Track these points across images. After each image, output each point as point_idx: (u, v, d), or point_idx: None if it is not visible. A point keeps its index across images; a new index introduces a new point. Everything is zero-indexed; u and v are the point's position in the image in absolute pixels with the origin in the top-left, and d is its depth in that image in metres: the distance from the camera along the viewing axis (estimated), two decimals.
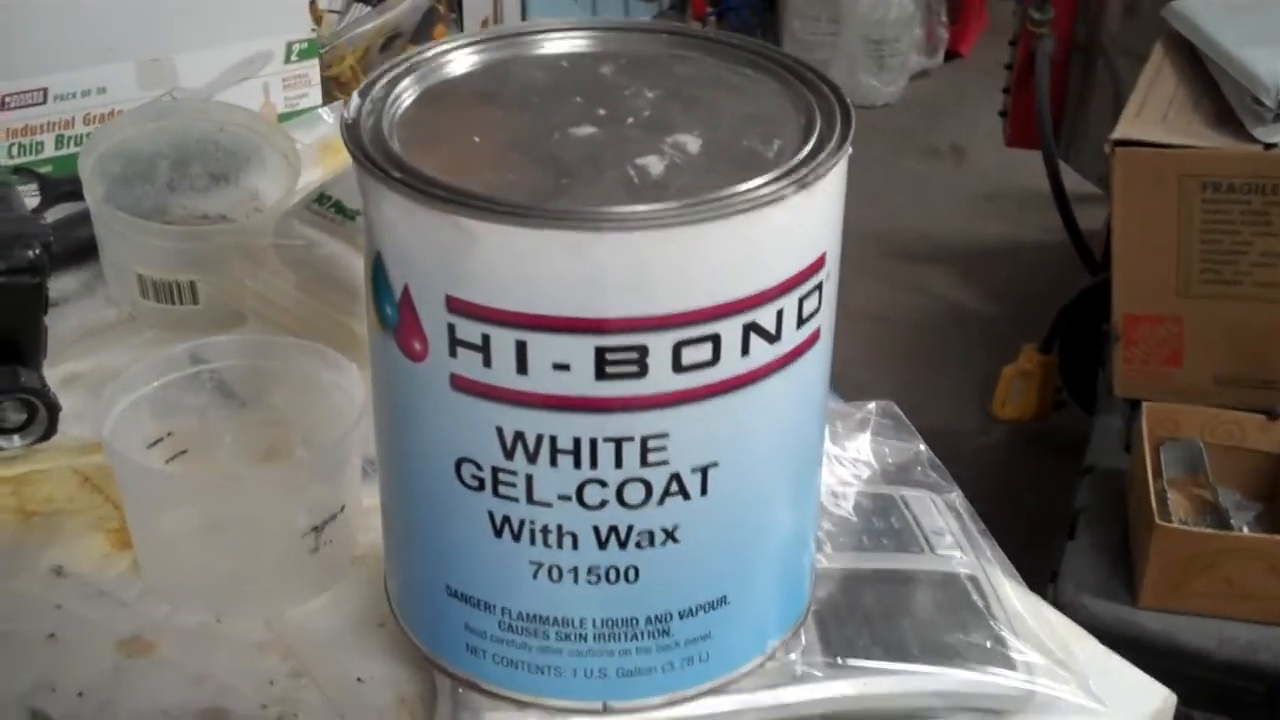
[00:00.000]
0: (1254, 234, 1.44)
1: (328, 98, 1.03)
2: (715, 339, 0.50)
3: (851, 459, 0.73)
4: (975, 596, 0.65)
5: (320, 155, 0.89)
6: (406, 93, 0.55)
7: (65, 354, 0.80)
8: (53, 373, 0.76)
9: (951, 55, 3.26)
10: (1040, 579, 0.75)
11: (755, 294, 0.50)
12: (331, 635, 0.65)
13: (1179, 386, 1.52)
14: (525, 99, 0.56)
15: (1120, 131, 1.44)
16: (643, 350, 0.49)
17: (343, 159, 0.88)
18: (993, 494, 0.72)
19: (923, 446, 0.75)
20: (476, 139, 0.53)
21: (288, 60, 0.99)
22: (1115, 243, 1.49)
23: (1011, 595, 0.67)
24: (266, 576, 0.66)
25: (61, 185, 0.88)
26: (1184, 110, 1.48)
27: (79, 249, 0.85)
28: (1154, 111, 1.48)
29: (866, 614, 0.63)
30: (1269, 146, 1.39)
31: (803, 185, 0.49)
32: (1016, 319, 2.16)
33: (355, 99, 0.54)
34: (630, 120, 0.54)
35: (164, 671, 0.63)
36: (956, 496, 0.72)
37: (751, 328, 0.50)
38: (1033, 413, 1.94)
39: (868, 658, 0.61)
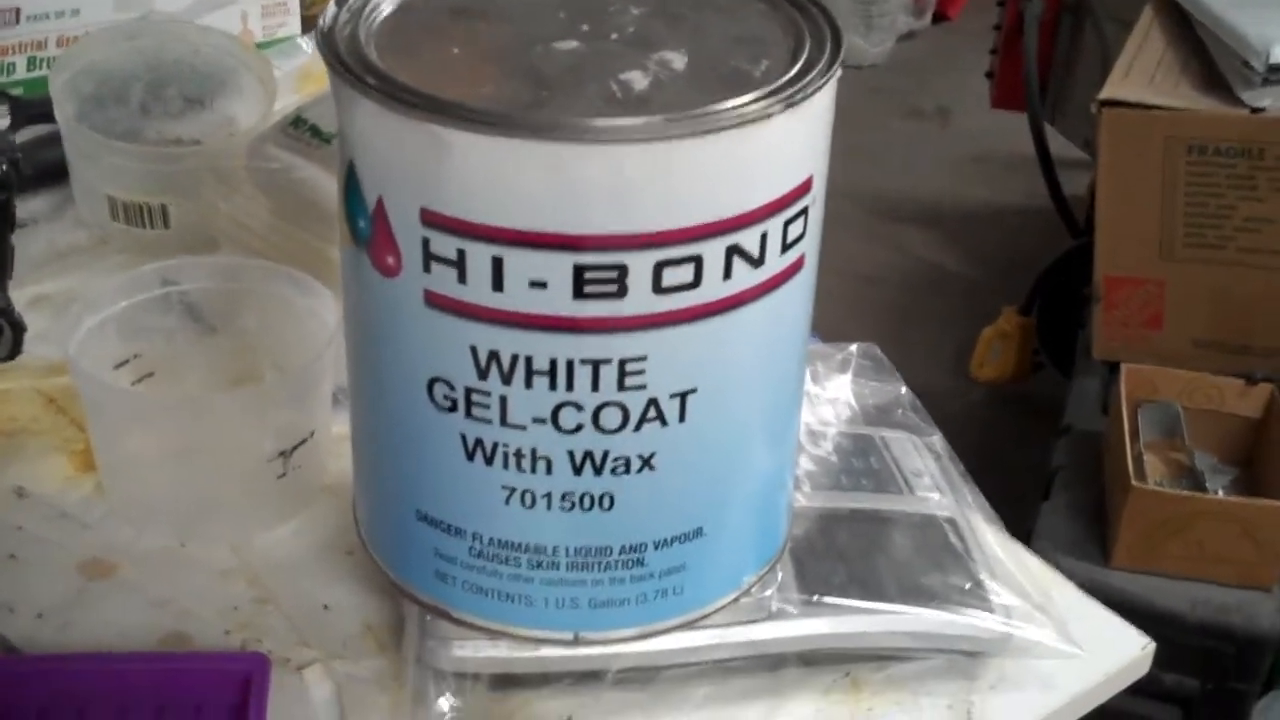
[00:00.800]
0: (1239, 198, 1.43)
1: (307, 28, 1.01)
2: (697, 260, 0.48)
3: (831, 399, 0.72)
4: (953, 539, 0.64)
5: (298, 83, 0.87)
6: (385, 3, 0.53)
7: (33, 275, 0.79)
8: (20, 294, 0.75)
9: (939, 17, 3.24)
10: (1015, 538, 0.74)
11: (739, 215, 0.49)
12: (298, 562, 0.63)
13: (1158, 349, 1.51)
14: (507, 12, 0.54)
15: (1107, 92, 1.42)
16: (622, 269, 0.48)
17: (322, 86, 0.86)
18: (969, 453, 0.71)
19: (904, 389, 0.74)
20: (455, 50, 0.52)
21: None
22: (1099, 203, 1.48)
23: (990, 539, 0.66)
24: (233, 501, 0.65)
25: (33, 107, 0.86)
26: (1172, 72, 1.47)
27: (49, 170, 0.83)
28: (1142, 73, 1.47)
29: (843, 553, 0.62)
30: (1256, 110, 1.38)
31: (790, 104, 0.48)
32: (997, 281, 2.15)
33: (332, 6, 0.52)
34: (614, 36, 0.53)
35: (125, 594, 0.61)
36: (937, 439, 0.71)
37: (734, 250, 0.49)
38: (1010, 374, 1.94)
39: (843, 596, 0.60)
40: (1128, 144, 1.44)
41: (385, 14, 0.53)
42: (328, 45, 0.50)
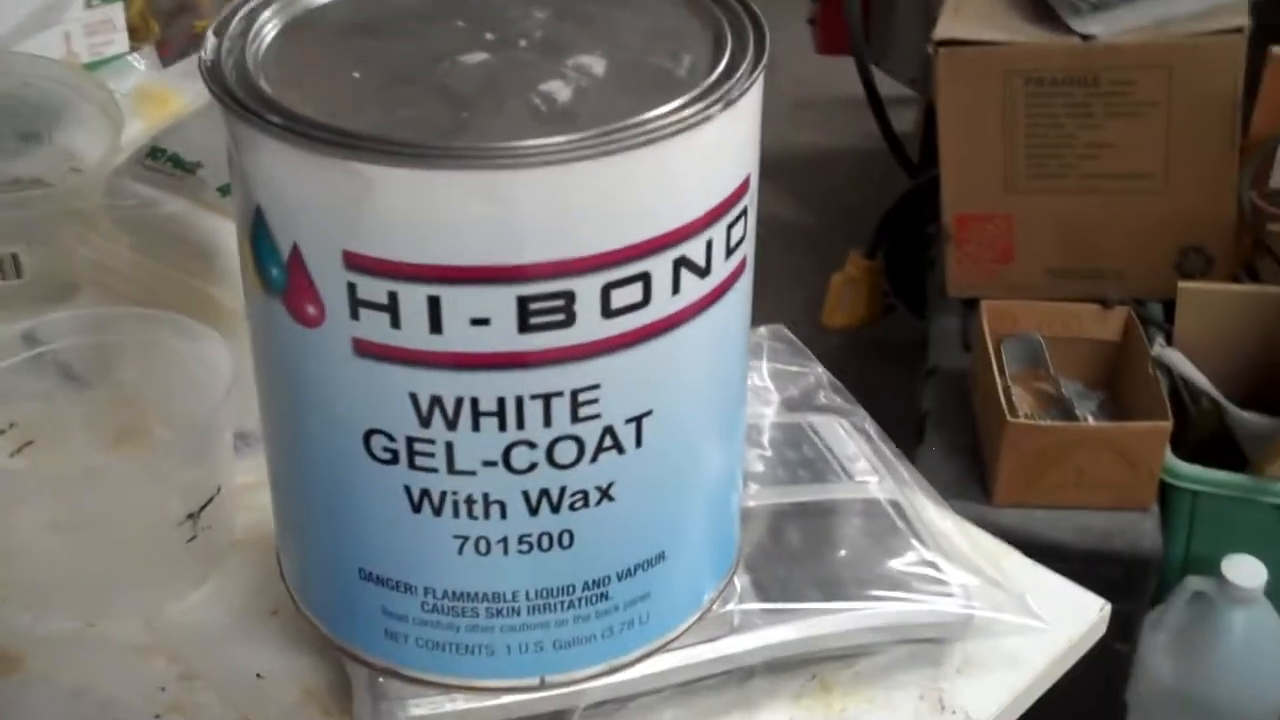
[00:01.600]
0: (1077, 126, 1.45)
1: (135, 41, 0.94)
2: (645, 277, 0.45)
3: (754, 388, 0.69)
4: (899, 522, 0.63)
5: (138, 105, 0.81)
6: (268, 27, 0.49)
7: None
8: None
9: None
10: None
11: (684, 224, 0.46)
12: (220, 629, 0.59)
13: (1011, 283, 1.53)
14: (401, 27, 0.50)
15: (942, 31, 1.43)
16: (569, 296, 0.45)
17: (166, 109, 0.81)
18: None
19: (820, 369, 0.72)
20: (355, 73, 0.48)
21: (89, 4, 0.90)
22: (942, 144, 1.49)
23: (935, 516, 0.65)
24: (140, 572, 0.60)
25: None
26: (999, 7, 1.47)
27: None
28: (973, 10, 1.48)
29: (795, 553, 0.60)
30: (1086, 38, 1.39)
31: (729, 104, 0.45)
32: (838, 227, 2.16)
33: (211, 38, 0.48)
34: (523, 43, 0.49)
35: (37, 688, 0.57)
36: (863, 418, 0.69)
37: (682, 262, 0.46)
38: (862, 319, 1.95)
39: (803, 599, 0.58)
40: (966, 82, 1.44)
41: (270, 38, 0.49)
42: (216, 80, 0.46)
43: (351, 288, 0.45)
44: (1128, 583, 1.33)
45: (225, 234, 0.66)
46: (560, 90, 0.46)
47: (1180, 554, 1.36)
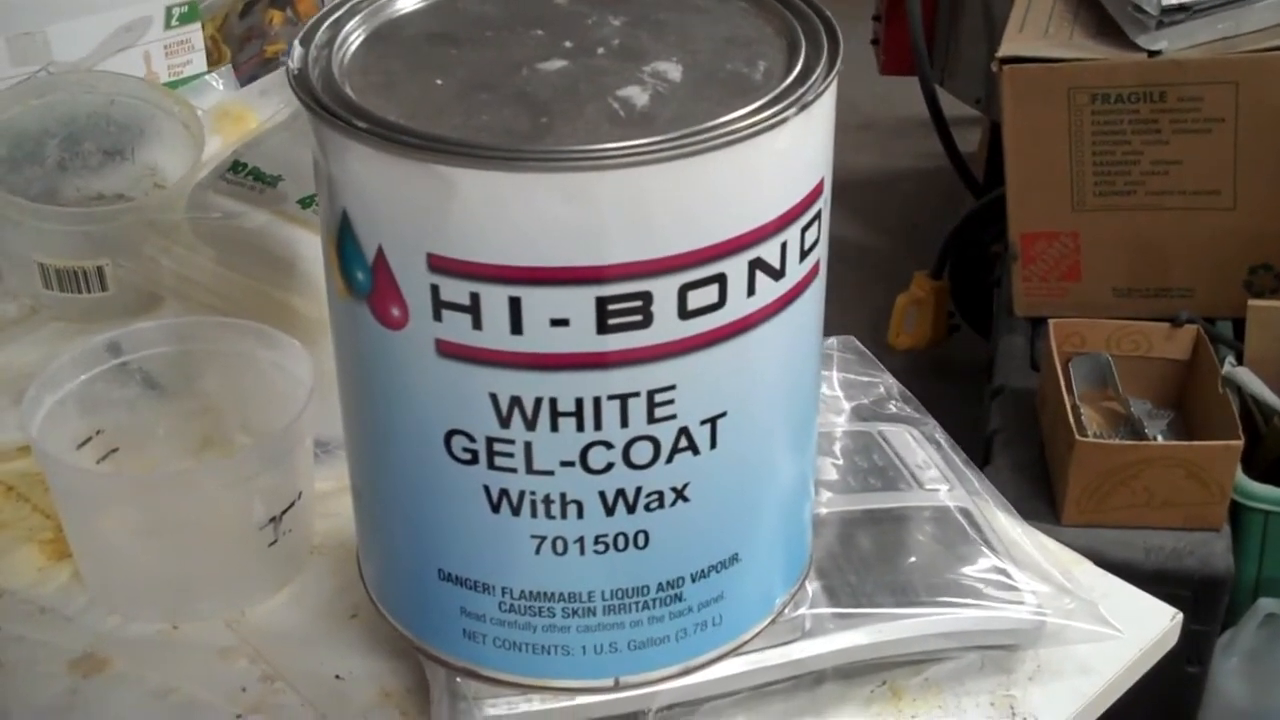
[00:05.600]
0: (1144, 143, 1.44)
1: (212, 63, 0.96)
2: (721, 279, 0.46)
3: (825, 397, 0.70)
4: (970, 529, 0.63)
5: (217, 123, 0.82)
6: (352, 36, 0.50)
7: None
8: None
9: None
10: None
11: (760, 227, 0.46)
12: (300, 632, 0.60)
13: (1079, 301, 1.52)
14: (481, 36, 0.51)
15: (1006, 49, 1.42)
16: (646, 297, 0.45)
17: (245, 127, 0.82)
18: None
19: (890, 379, 0.72)
20: (438, 81, 0.49)
21: (168, 25, 0.92)
22: (1008, 162, 1.48)
23: (1006, 525, 0.65)
24: (222, 575, 0.61)
25: None
26: (1064, 23, 1.47)
27: None
28: (1035, 26, 1.47)
29: (866, 559, 0.61)
30: (1153, 54, 1.39)
31: (803, 107, 0.46)
32: (902, 247, 2.15)
33: (298, 47, 0.49)
34: (600, 50, 0.50)
35: (124, 689, 0.58)
36: (933, 428, 0.69)
37: (757, 264, 0.47)
38: (928, 339, 1.94)
39: (874, 605, 0.58)
40: (1031, 100, 1.44)
41: (356, 47, 0.50)
42: (303, 88, 0.47)
43: (435, 289, 0.45)
44: (1199, 604, 1.31)
45: (305, 245, 0.67)
46: (638, 95, 0.47)
47: (1252, 575, 1.34)
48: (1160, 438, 1.40)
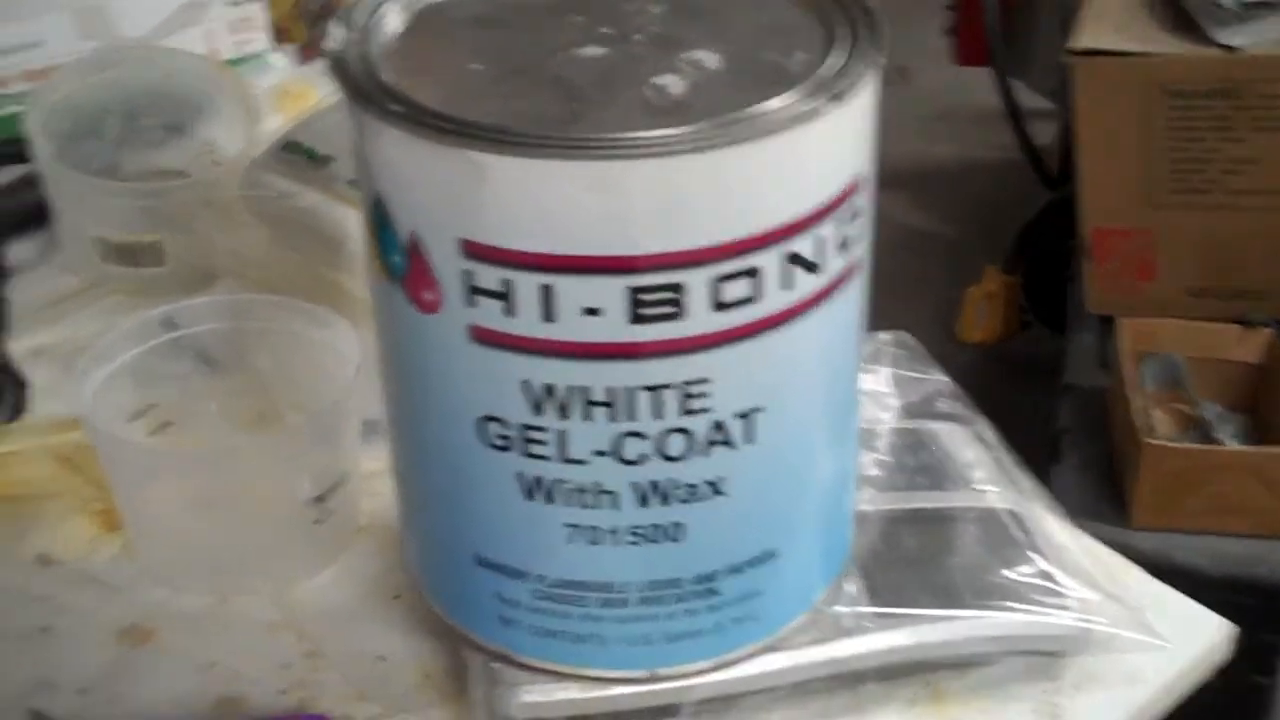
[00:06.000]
0: (1220, 140, 1.41)
1: (279, 40, 0.97)
2: (755, 272, 0.46)
3: (872, 393, 0.69)
4: (1017, 532, 0.62)
5: (278, 102, 0.83)
6: (392, 19, 0.50)
7: (26, 327, 0.75)
8: (15, 347, 0.71)
9: None
10: None
11: (795, 220, 0.46)
12: (345, 611, 0.60)
13: (1152, 299, 1.49)
14: (521, 20, 0.51)
15: (1079, 41, 1.40)
16: (679, 289, 0.45)
17: (305, 105, 0.83)
18: None
19: (943, 376, 0.71)
20: (475, 65, 0.49)
21: (231, 2, 0.93)
22: (1080, 156, 1.46)
23: (1055, 529, 0.64)
24: (270, 551, 0.62)
25: (2, 148, 0.82)
26: (1139, 16, 1.44)
27: (27, 215, 0.79)
28: (1109, 19, 1.44)
29: (910, 558, 0.60)
30: (1230, 49, 1.36)
31: (838, 98, 0.45)
32: (975, 240, 2.13)
33: (338, 29, 0.49)
34: (638, 37, 0.50)
35: (170, 661, 0.58)
36: (983, 427, 0.68)
37: (792, 258, 0.46)
38: (999, 334, 1.92)
39: (916, 605, 0.58)
40: (1104, 93, 1.41)
41: (394, 30, 0.50)
42: (341, 73, 0.47)
43: (467, 275, 0.45)
44: (1269, 613, 1.29)
45: (355, 224, 0.67)
46: (673, 83, 0.47)
47: None
48: (1233, 441, 1.37)
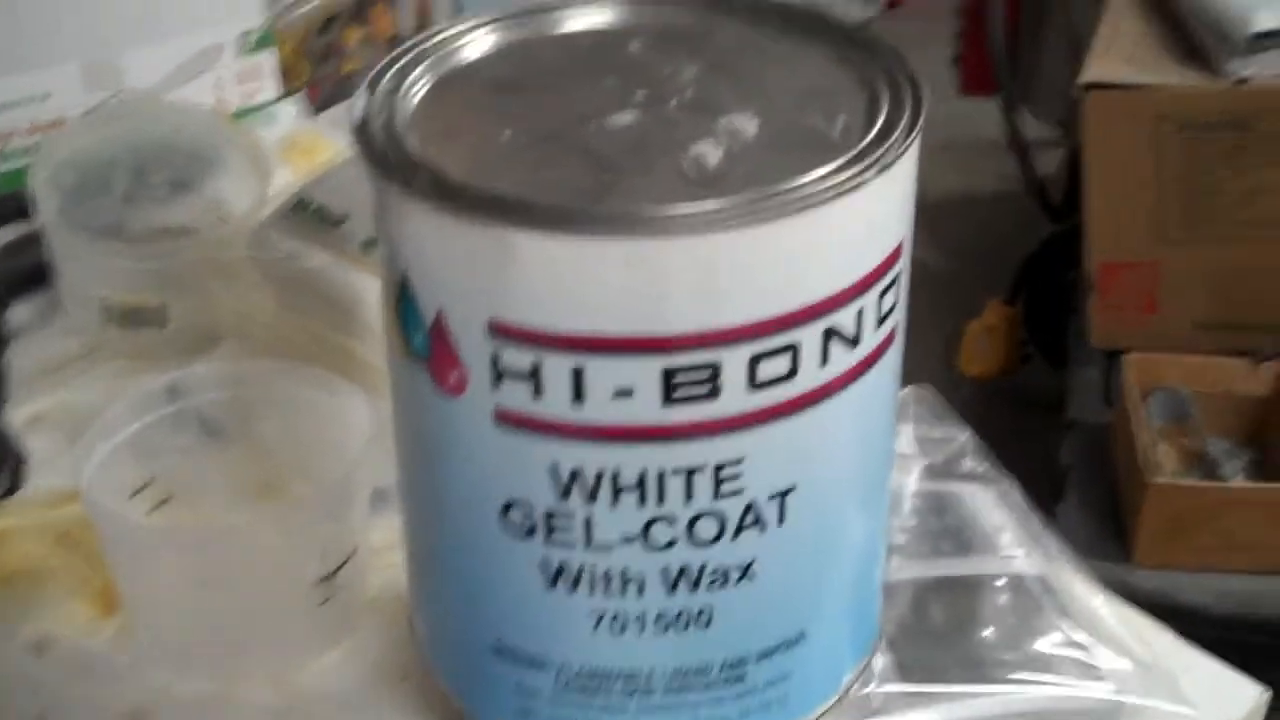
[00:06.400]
0: (1230, 172, 1.40)
1: (289, 90, 0.95)
2: (793, 349, 0.44)
3: (897, 455, 0.67)
4: (1047, 599, 0.61)
5: (285, 154, 0.81)
6: (418, 84, 0.48)
7: (24, 394, 0.73)
8: (14, 415, 0.69)
9: (892, 3, 3.19)
10: None
11: (835, 294, 0.44)
12: (352, 694, 0.58)
13: (1156, 333, 1.48)
14: (552, 84, 0.49)
15: (1089, 74, 1.39)
16: (714, 368, 0.43)
17: (314, 159, 0.81)
18: None
19: (966, 434, 0.70)
20: (504, 132, 0.47)
21: (241, 53, 0.91)
22: (1088, 189, 1.45)
23: (1084, 592, 0.62)
24: (272, 634, 0.59)
25: (4, 205, 0.80)
26: (1150, 48, 1.43)
27: (27, 276, 0.77)
28: (1120, 51, 1.43)
29: (938, 630, 0.58)
30: (1241, 81, 1.35)
31: (884, 168, 0.43)
32: (977, 271, 2.11)
33: (363, 95, 0.47)
34: (673, 102, 0.48)
35: None
36: (1009, 487, 0.67)
37: (831, 333, 0.45)
38: (999, 368, 1.90)
39: (946, 680, 0.56)
40: (1114, 126, 1.40)
41: (420, 95, 0.48)
42: (365, 142, 0.45)
43: (495, 357, 0.44)
44: (1274, 650, 1.27)
45: (367, 289, 0.66)
46: (710, 152, 0.45)
47: None
48: (1241, 477, 1.36)
